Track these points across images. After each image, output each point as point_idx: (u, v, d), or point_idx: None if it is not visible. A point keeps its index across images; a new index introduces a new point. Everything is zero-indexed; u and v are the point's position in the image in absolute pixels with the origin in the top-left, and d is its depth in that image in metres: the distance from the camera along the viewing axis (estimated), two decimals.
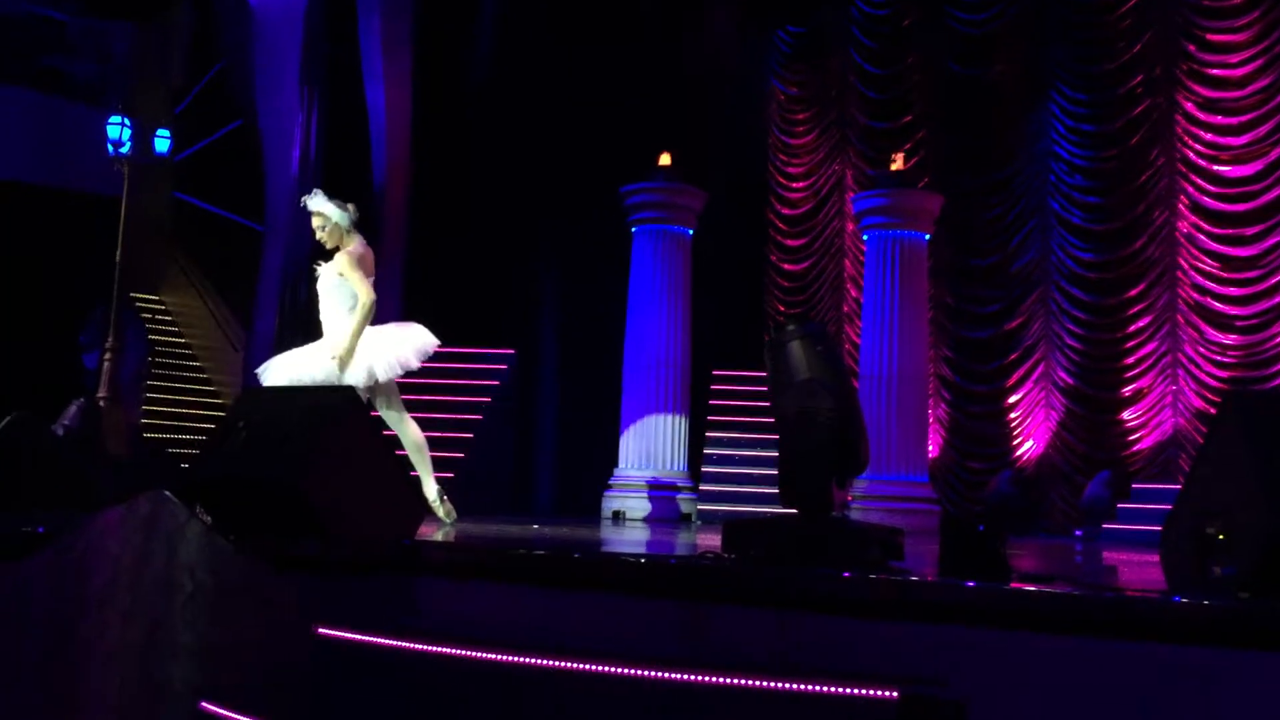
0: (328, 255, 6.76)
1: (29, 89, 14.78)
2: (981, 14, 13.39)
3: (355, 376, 6.39)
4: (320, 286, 6.67)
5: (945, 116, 13.53)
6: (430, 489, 6.67)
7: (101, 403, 11.42)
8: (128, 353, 12.89)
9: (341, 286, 6.58)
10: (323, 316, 6.70)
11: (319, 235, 6.66)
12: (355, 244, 6.64)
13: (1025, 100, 13.19)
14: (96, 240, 13.45)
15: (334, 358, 6.39)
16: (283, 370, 6.51)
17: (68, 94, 15.13)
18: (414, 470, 6.67)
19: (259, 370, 6.68)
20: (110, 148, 12.52)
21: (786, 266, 14.67)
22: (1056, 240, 12.86)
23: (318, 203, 6.64)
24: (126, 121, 12.53)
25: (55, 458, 6.68)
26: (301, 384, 6.34)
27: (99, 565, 4.08)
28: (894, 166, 11.91)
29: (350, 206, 6.71)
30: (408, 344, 6.61)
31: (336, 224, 6.63)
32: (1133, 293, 12.42)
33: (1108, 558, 7.42)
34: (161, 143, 13.26)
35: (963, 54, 13.46)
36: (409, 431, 6.69)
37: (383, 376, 6.47)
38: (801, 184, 14.72)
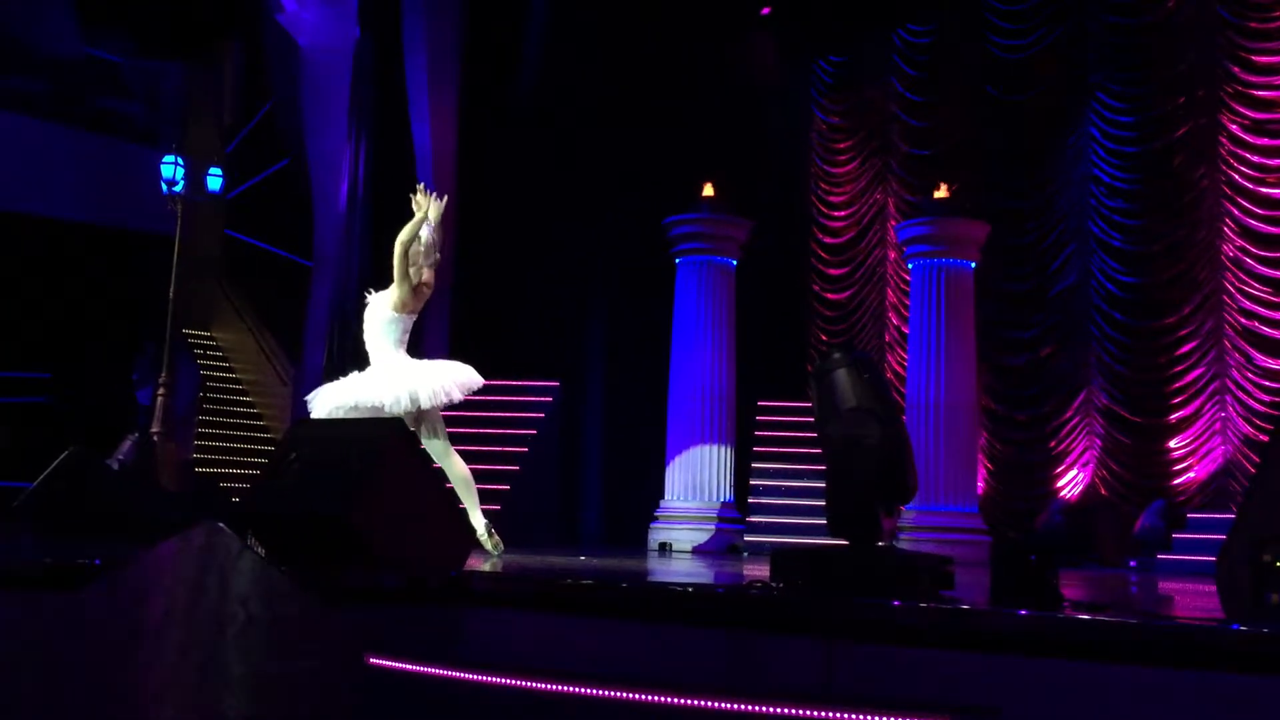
0: (379, 286, 6.87)
1: (85, 130, 15.11)
2: (1022, 39, 13.36)
3: (400, 404, 6.46)
4: (368, 315, 6.77)
5: (985, 141, 13.49)
6: (478, 521, 6.71)
7: (155, 437, 11.59)
8: (180, 388, 13.06)
9: (391, 321, 6.69)
10: (369, 346, 6.80)
11: (436, 257, 6.82)
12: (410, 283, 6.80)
13: (1066, 124, 13.12)
14: (149, 277, 13.69)
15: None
16: (330, 399, 6.60)
17: (122, 134, 15.45)
18: (461, 503, 6.71)
19: (307, 398, 6.77)
20: (164, 186, 12.75)
21: (829, 295, 14.64)
22: (1097, 264, 12.74)
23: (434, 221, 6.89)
24: (180, 160, 12.75)
25: (110, 492, 6.79)
26: (347, 413, 6.43)
27: (153, 597, 4.12)
28: (938, 194, 11.86)
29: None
30: (451, 376, 6.69)
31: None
32: (1177, 317, 12.25)
33: (1163, 588, 7.31)
34: (214, 181, 13.48)
35: (1003, 79, 13.43)
36: (454, 465, 6.74)
37: (426, 403, 6.53)
38: (843, 213, 14.71)
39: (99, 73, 15.88)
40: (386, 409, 6.44)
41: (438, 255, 6.95)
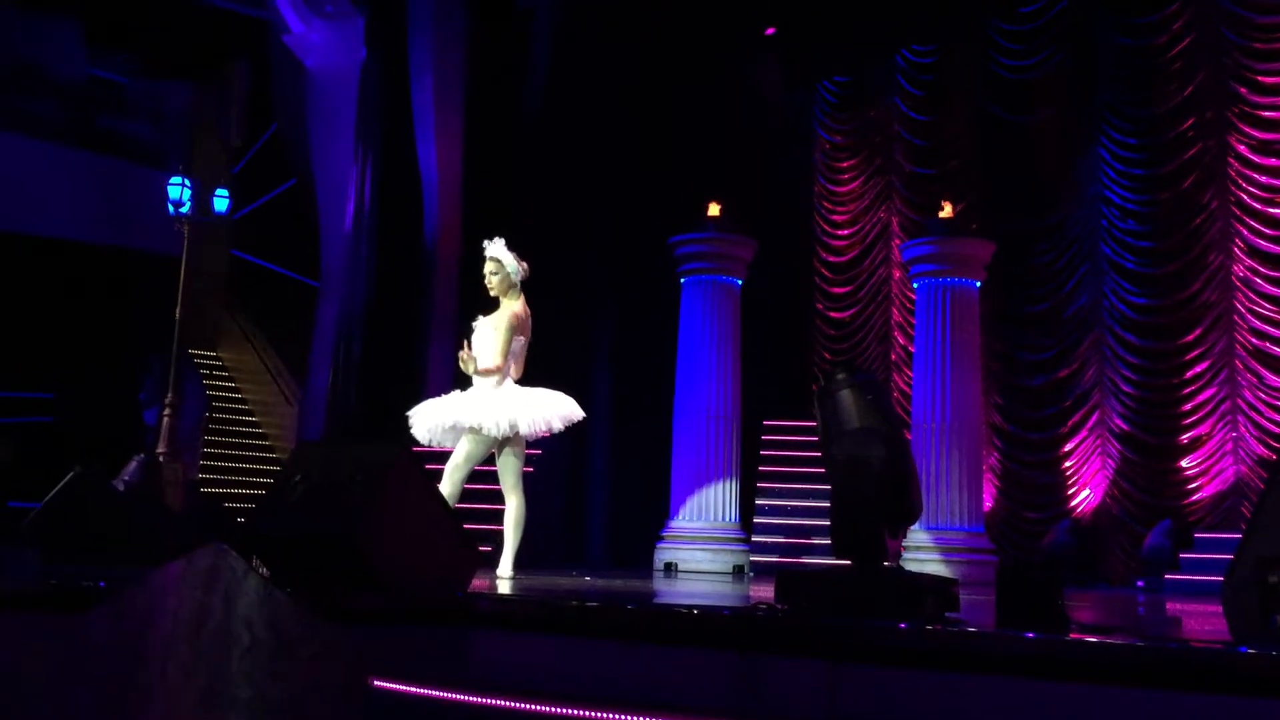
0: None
1: (92, 151, 15.19)
2: (1027, 60, 13.39)
3: (498, 429, 6.44)
4: (476, 339, 6.75)
5: (992, 162, 13.50)
6: (508, 564, 6.67)
7: (161, 458, 11.61)
8: (186, 408, 13.08)
9: (500, 345, 6.65)
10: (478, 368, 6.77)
11: (488, 280, 6.77)
12: (519, 303, 6.76)
13: (1074, 145, 13.12)
14: (156, 297, 13.74)
15: (474, 371, 6.49)
16: (431, 416, 6.60)
17: (128, 155, 15.53)
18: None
19: (409, 413, 6.73)
20: (171, 207, 12.81)
21: (833, 315, 14.64)
22: (1109, 285, 12.73)
23: (497, 249, 6.80)
24: (186, 182, 12.81)
25: (116, 513, 6.78)
26: (445, 431, 6.52)
27: (159, 619, 4.12)
28: (943, 214, 11.87)
29: (524, 265, 6.79)
30: (553, 408, 6.66)
31: (508, 274, 6.75)
32: (1189, 338, 12.24)
33: (1170, 609, 7.28)
34: (220, 202, 13.54)
35: (1009, 100, 13.44)
36: (514, 503, 6.71)
37: (525, 430, 6.53)
38: (847, 231, 14.73)
39: (105, 94, 15.98)
40: (484, 431, 6.44)
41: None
